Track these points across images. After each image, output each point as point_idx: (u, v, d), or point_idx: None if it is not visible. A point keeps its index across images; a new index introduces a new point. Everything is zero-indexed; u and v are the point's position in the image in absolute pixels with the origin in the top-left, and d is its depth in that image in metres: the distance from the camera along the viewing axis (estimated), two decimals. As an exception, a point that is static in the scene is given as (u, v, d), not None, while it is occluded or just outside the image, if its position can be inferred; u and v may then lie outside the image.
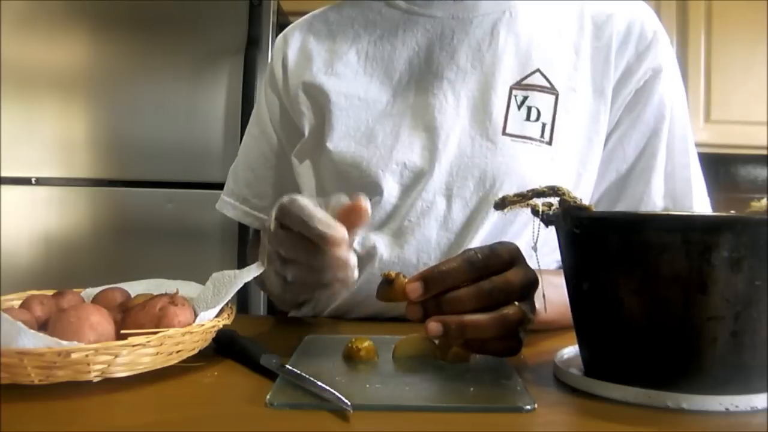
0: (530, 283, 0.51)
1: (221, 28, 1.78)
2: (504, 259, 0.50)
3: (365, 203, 0.53)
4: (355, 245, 0.66)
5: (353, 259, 0.54)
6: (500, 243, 0.52)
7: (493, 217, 0.73)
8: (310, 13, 0.90)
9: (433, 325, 0.48)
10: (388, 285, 0.52)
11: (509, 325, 0.48)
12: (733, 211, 0.43)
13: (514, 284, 0.50)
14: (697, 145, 0.81)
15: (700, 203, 0.78)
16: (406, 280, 0.51)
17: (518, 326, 0.49)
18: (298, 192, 0.86)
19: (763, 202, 0.42)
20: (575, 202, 0.46)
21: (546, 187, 0.49)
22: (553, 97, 0.76)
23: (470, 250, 0.50)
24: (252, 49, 1.74)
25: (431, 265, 0.50)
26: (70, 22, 1.81)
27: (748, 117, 2.27)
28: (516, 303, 0.49)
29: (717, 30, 2.30)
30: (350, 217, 0.53)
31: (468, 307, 0.48)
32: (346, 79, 0.81)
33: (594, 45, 0.78)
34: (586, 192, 0.78)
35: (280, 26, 1.74)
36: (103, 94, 1.80)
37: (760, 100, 2.26)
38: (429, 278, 0.49)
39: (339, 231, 0.52)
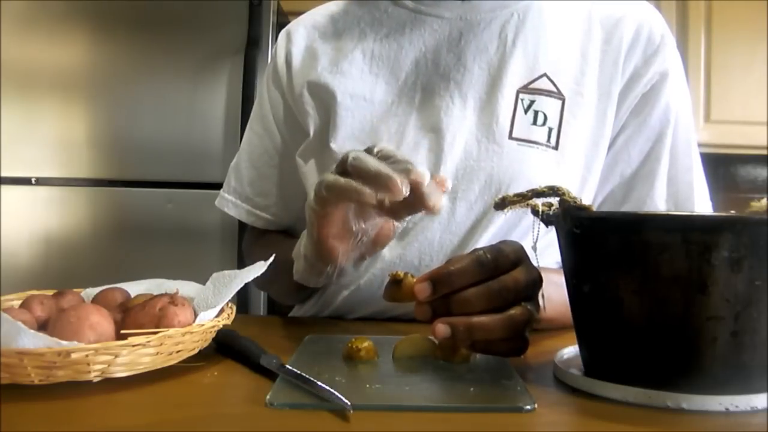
0: (535, 282, 0.51)
1: (221, 28, 1.78)
2: (511, 258, 0.50)
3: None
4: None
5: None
6: (505, 242, 0.52)
7: (498, 220, 0.73)
8: (314, 10, 0.89)
9: (441, 327, 0.48)
10: (396, 285, 0.52)
11: (516, 326, 0.48)
12: (733, 211, 0.43)
13: (522, 284, 0.50)
14: (697, 145, 0.81)
15: (701, 206, 0.78)
16: (414, 280, 0.50)
17: (525, 327, 0.49)
18: (301, 192, 0.86)
19: (763, 202, 0.42)
20: (575, 202, 0.46)
21: (546, 187, 0.48)
22: (560, 102, 0.76)
23: (478, 250, 0.50)
24: (252, 49, 1.74)
25: (437, 266, 0.50)
26: (70, 22, 1.81)
27: (747, 117, 2.28)
28: (522, 303, 0.49)
29: (717, 30, 2.30)
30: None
31: (477, 308, 0.48)
32: (351, 78, 0.80)
33: (603, 49, 0.78)
34: (590, 195, 0.78)
35: (280, 26, 1.74)
36: (103, 94, 1.80)
37: (759, 100, 2.27)
38: (437, 279, 0.49)
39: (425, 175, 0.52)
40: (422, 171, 0.52)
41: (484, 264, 0.49)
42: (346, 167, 0.54)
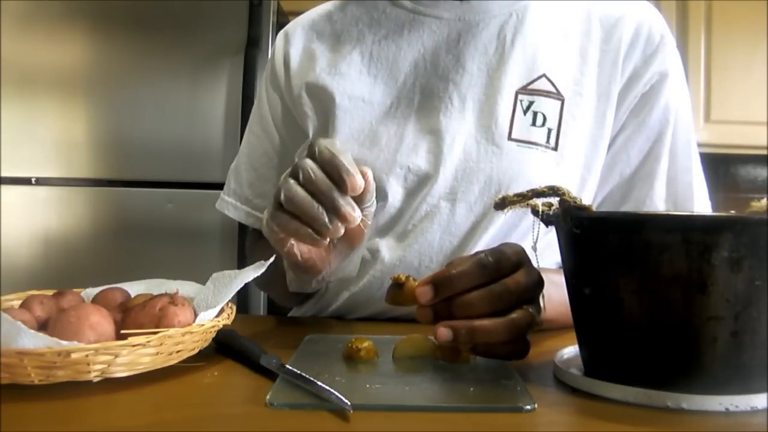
0: (537, 284, 0.51)
1: (221, 28, 1.78)
2: (512, 261, 0.50)
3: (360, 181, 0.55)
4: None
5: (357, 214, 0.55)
6: (506, 244, 0.52)
7: (498, 221, 0.73)
8: (312, 10, 0.89)
9: (443, 331, 0.47)
10: (398, 288, 0.52)
11: (518, 329, 0.48)
12: (733, 211, 0.43)
13: (523, 286, 0.49)
14: (697, 145, 0.81)
15: (701, 207, 0.78)
16: (416, 283, 0.50)
17: (526, 330, 0.49)
18: None
19: (763, 202, 0.42)
20: (575, 202, 0.46)
21: (546, 187, 0.48)
22: (559, 102, 0.75)
23: (480, 252, 0.50)
24: (252, 49, 1.74)
25: (437, 269, 0.50)
26: (70, 22, 1.81)
27: (747, 117, 2.28)
28: (524, 306, 0.49)
29: (717, 30, 2.30)
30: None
31: (479, 311, 0.48)
32: (350, 79, 0.80)
33: (602, 49, 0.77)
34: (589, 195, 0.78)
35: (280, 26, 1.73)
36: (103, 94, 1.80)
37: (759, 100, 2.27)
38: (439, 282, 0.48)
39: (359, 179, 0.54)
40: (351, 211, 0.54)
41: (486, 267, 0.49)
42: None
